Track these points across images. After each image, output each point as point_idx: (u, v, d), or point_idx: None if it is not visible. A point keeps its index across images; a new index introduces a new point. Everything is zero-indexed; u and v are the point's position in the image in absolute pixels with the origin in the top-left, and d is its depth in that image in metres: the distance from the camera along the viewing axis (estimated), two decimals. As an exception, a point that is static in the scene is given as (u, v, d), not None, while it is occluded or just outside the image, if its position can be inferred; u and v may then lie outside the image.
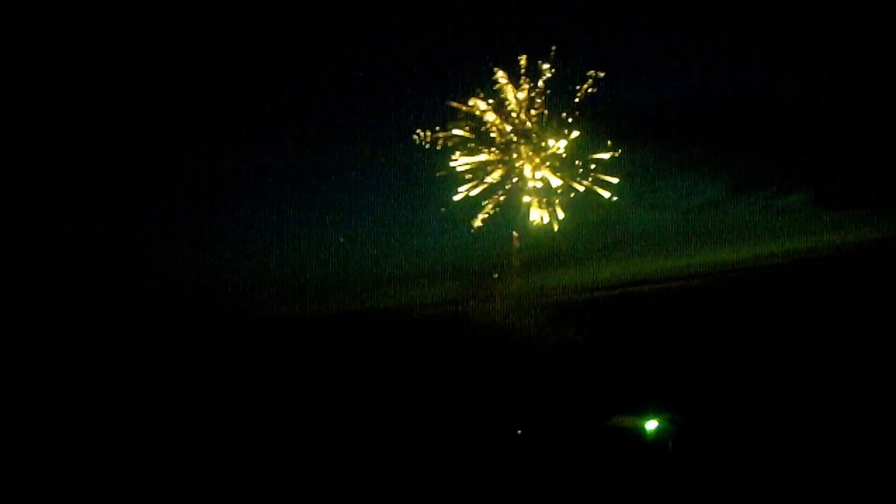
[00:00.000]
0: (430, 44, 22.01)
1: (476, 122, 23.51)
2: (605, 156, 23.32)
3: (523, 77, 23.02)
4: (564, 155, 23.64)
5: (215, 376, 23.84)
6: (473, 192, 23.69)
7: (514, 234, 24.10)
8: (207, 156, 22.85)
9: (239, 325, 25.07)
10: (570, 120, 23.33)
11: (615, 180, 23.38)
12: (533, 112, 23.49)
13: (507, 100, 23.33)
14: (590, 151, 23.44)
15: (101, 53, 20.70)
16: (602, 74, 22.55)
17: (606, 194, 23.41)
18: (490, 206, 23.86)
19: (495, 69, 22.86)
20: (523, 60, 22.78)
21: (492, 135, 23.69)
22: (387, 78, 23.02)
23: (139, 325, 24.38)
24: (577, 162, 23.60)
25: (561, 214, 23.80)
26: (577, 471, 18.57)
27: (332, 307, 24.70)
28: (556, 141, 23.56)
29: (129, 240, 24.31)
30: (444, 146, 23.34)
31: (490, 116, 23.50)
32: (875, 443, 17.20)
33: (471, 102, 23.24)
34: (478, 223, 23.80)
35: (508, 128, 23.64)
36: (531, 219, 23.93)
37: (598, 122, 23.30)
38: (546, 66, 22.73)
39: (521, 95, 23.26)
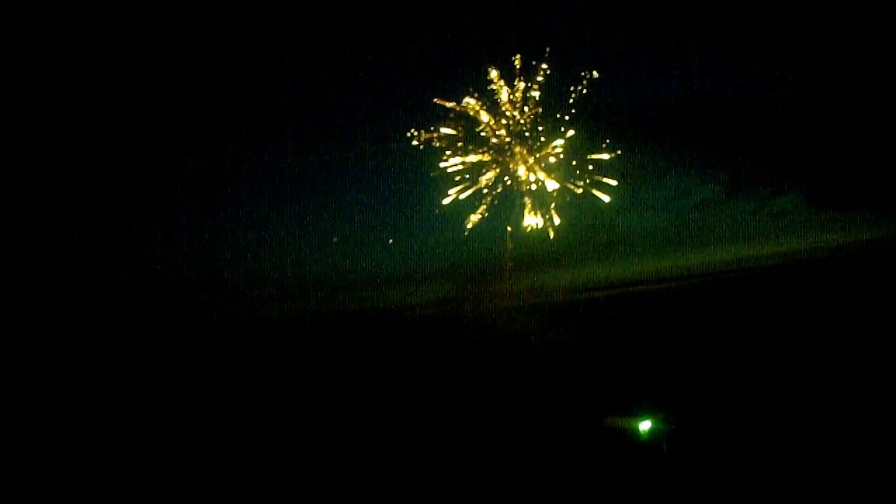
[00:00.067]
0: (423, 42, 22.02)
1: (469, 121, 23.46)
2: (605, 156, 23.11)
3: (518, 77, 22.99)
4: (562, 155, 23.51)
5: (212, 376, 23.73)
6: (463, 195, 23.58)
7: (509, 232, 23.94)
8: (194, 156, 22.85)
9: (230, 326, 24.92)
10: (565, 118, 23.22)
11: (614, 182, 23.19)
12: (527, 111, 23.41)
13: (500, 99, 23.28)
14: (586, 152, 23.28)
15: (100, 53, 20.76)
16: (596, 75, 22.52)
17: (605, 198, 23.21)
18: (483, 207, 23.75)
19: (489, 68, 22.87)
20: (517, 60, 22.77)
21: (483, 134, 23.61)
22: (381, 77, 23.02)
23: (137, 325, 24.34)
24: (573, 163, 23.47)
25: (557, 220, 23.63)
26: (569, 471, 18.35)
27: (319, 307, 24.56)
28: (551, 141, 23.46)
29: (127, 239, 24.31)
30: (438, 146, 23.28)
31: (484, 117, 23.42)
32: (874, 443, 17.03)
33: (464, 102, 23.18)
34: (470, 224, 23.70)
35: (503, 129, 23.56)
36: (525, 224, 23.76)
37: (593, 122, 23.21)
38: (542, 66, 22.72)
39: (516, 95, 23.19)
